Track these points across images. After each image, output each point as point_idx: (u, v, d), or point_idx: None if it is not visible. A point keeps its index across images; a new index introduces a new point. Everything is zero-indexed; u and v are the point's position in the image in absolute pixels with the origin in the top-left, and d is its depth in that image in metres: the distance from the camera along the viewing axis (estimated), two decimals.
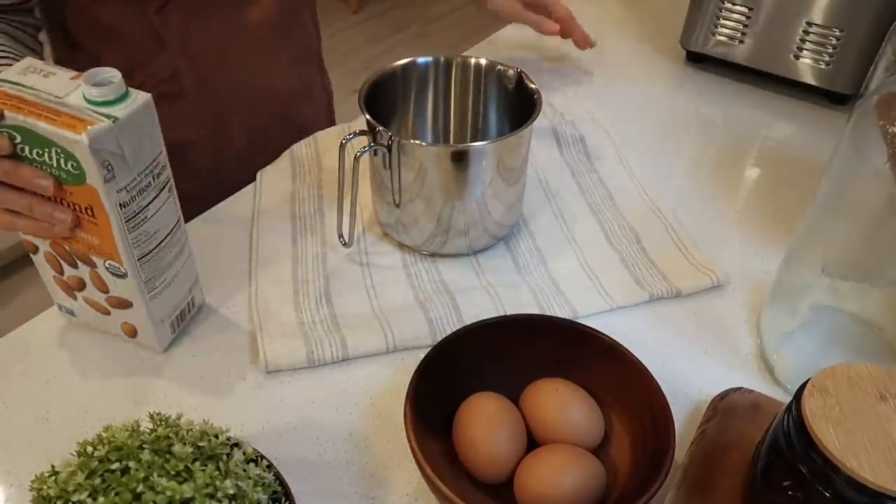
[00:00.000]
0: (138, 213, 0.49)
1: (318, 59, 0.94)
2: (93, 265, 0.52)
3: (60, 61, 0.73)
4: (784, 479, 0.40)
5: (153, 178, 0.50)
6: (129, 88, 0.47)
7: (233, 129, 0.83)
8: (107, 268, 0.52)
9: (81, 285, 0.55)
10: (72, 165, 0.45)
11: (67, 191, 0.48)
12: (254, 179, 0.77)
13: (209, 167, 0.83)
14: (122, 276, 0.52)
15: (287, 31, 0.83)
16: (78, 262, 0.53)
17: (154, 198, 0.50)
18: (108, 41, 0.73)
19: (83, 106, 0.45)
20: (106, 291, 0.54)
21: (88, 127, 0.44)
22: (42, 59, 0.70)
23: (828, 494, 0.37)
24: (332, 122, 0.97)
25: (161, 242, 0.53)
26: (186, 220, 0.71)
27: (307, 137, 0.82)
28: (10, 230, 0.51)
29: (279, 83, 0.85)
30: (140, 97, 0.47)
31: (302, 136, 0.84)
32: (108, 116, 0.45)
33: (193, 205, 0.79)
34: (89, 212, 0.48)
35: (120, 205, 0.48)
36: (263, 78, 0.83)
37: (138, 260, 0.51)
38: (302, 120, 0.90)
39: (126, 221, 0.49)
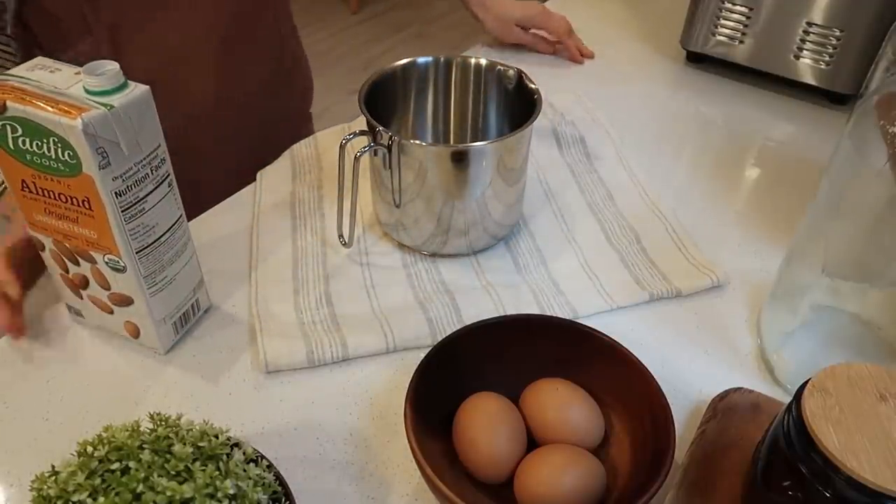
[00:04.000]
0: (135, 203, 0.50)
1: (291, 58, 0.92)
2: (93, 261, 0.53)
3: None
4: (784, 479, 0.40)
5: (151, 171, 0.50)
6: (129, 80, 0.48)
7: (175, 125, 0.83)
8: (106, 262, 0.52)
9: (85, 283, 0.55)
10: (68, 155, 0.46)
11: (65, 184, 0.48)
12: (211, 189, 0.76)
13: None
14: (122, 270, 0.52)
15: (240, 34, 0.82)
16: (79, 259, 0.53)
17: (152, 190, 0.51)
18: (43, 20, 0.74)
19: (82, 96, 0.46)
20: (108, 288, 0.54)
21: (83, 113, 0.44)
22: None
23: (828, 494, 0.37)
24: (306, 118, 0.97)
25: (161, 237, 0.53)
26: None
27: (307, 137, 0.82)
28: None
29: (231, 83, 0.84)
30: (138, 89, 0.48)
31: (267, 133, 0.84)
32: (104, 105, 0.46)
33: None
34: (86, 204, 0.49)
35: (115, 193, 0.48)
36: (212, 78, 0.82)
37: (137, 253, 0.51)
38: (270, 118, 0.89)
39: (122, 211, 0.49)
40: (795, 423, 0.39)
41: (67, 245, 0.53)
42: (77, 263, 0.54)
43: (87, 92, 0.46)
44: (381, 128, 0.60)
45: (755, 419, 0.50)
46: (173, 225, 0.54)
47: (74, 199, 0.49)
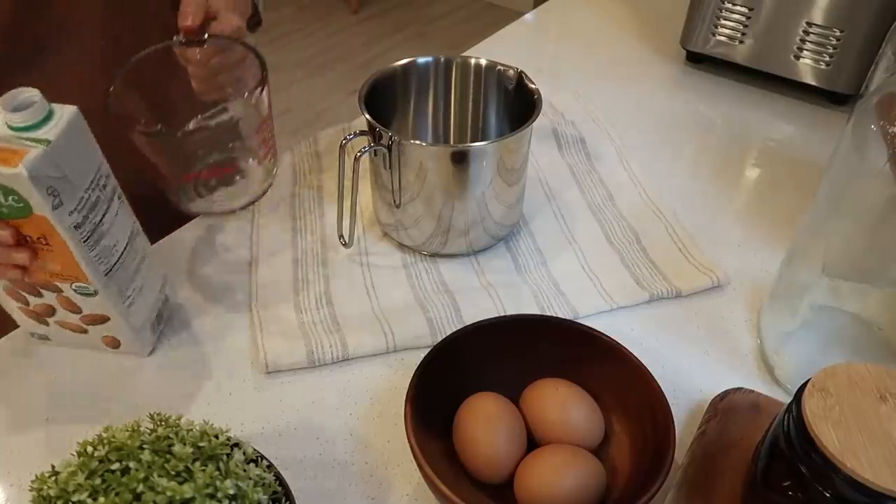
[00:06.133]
0: (94, 230, 0.48)
1: None
2: (58, 291, 0.51)
3: None
4: (784, 479, 0.40)
5: (101, 191, 0.48)
6: (53, 105, 0.44)
7: None
8: (75, 290, 0.50)
9: (51, 311, 0.53)
10: (13, 199, 0.42)
11: (16, 225, 0.45)
12: None
13: None
14: (93, 294, 0.50)
15: None
16: (42, 290, 0.51)
17: (106, 210, 0.49)
18: None
19: (9, 135, 0.42)
20: (79, 312, 0.53)
21: (23, 157, 0.41)
22: None
23: (828, 494, 0.37)
24: None
25: (123, 252, 0.51)
26: None
27: (307, 138, 0.82)
28: None
29: None
30: (66, 112, 0.44)
31: None
32: (38, 141, 0.42)
33: None
34: (43, 241, 0.46)
35: (74, 226, 0.46)
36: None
37: (105, 275, 0.50)
38: None
39: (84, 242, 0.47)
40: (795, 423, 0.39)
41: (27, 280, 0.49)
42: (39, 295, 0.51)
43: (13, 129, 0.42)
44: (381, 128, 0.60)
45: (755, 419, 0.50)
46: (130, 235, 0.52)
47: (29, 238, 0.46)
